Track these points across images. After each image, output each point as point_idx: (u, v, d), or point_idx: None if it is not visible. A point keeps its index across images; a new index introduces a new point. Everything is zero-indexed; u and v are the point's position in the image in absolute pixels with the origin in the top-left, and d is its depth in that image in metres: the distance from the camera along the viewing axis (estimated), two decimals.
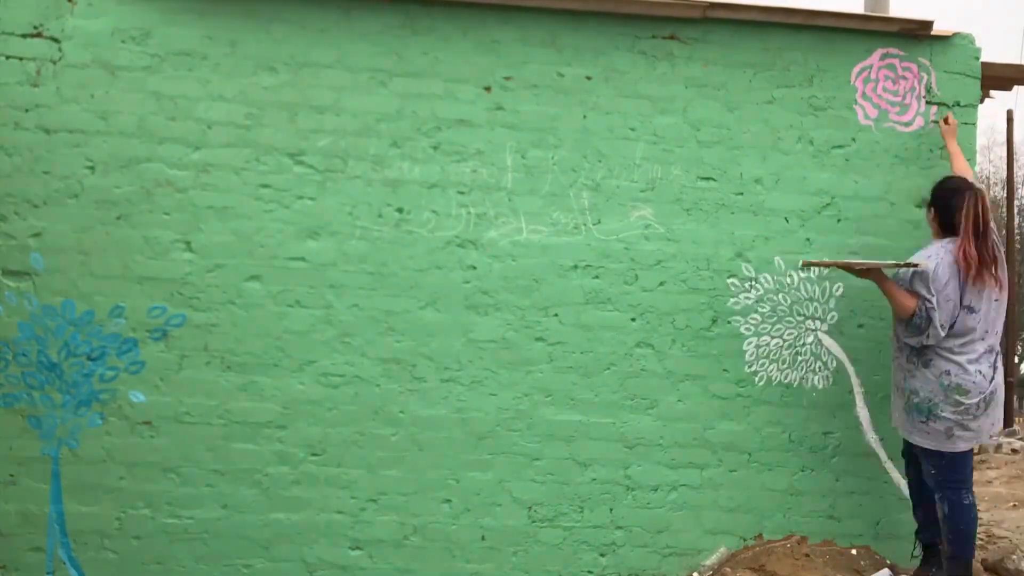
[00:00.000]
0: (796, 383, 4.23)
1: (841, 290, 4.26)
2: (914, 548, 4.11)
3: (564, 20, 4.14)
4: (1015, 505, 7.14)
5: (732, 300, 4.20)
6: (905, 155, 4.32)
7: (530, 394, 4.06)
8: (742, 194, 4.22)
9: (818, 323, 4.25)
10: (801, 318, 4.24)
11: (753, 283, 4.22)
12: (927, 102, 4.34)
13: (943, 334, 3.68)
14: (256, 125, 3.96)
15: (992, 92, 4.74)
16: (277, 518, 3.91)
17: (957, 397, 3.68)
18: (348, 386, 3.96)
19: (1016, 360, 23.03)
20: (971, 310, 3.72)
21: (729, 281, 4.20)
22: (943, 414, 3.69)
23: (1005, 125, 18.33)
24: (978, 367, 3.71)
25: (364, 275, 3.99)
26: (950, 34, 4.34)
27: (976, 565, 4.26)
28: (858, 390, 4.26)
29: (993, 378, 3.75)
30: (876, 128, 4.31)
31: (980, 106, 4.42)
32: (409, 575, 3.98)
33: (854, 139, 4.30)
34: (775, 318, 4.23)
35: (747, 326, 4.21)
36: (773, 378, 4.22)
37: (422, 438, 4.00)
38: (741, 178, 4.22)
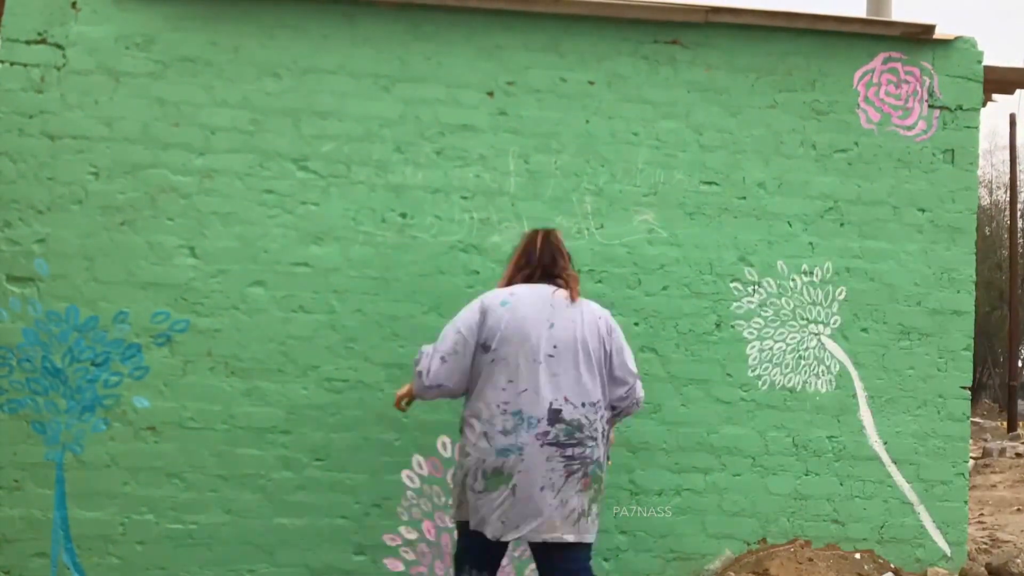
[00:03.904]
0: (799, 387, 4.23)
1: (844, 294, 4.26)
2: None
3: (566, 25, 4.15)
4: (1019, 509, 7.13)
5: (735, 304, 4.20)
6: (908, 159, 4.32)
7: None
8: (745, 198, 4.23)
9: (821, 327, 4.25)
10: (804, 322, 4.24)
11: (756, 287, 4.22)
12: (930, 106, 4.34)
13: None
14: (260, 131, 3.97)
15: (995, 96, 4.75)
16: (281, 523, 3.90)
17: None
18: (352, 391, 3.96)
19: (1020, 364, 22.97)
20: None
21: (732, 285, 4.20)
22: None
23: (1008, 129, 18.37)
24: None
25: (368, 280, 3.99)
26: (952, 38, 4.34)
27: (980, 569, 4.26)
28: (861, 394, 4.26)
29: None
30: (879, 132, 4.32)
31: (983, 110, 4.42)
32: None
33: (857, 143, 4.30)
34: (778, 322, 4.23)
35: (750, 330, 4.20)
36: (776, 382, 4.22)
37: (426, 443, 4.00)
38: (744, 182, 4.23)
